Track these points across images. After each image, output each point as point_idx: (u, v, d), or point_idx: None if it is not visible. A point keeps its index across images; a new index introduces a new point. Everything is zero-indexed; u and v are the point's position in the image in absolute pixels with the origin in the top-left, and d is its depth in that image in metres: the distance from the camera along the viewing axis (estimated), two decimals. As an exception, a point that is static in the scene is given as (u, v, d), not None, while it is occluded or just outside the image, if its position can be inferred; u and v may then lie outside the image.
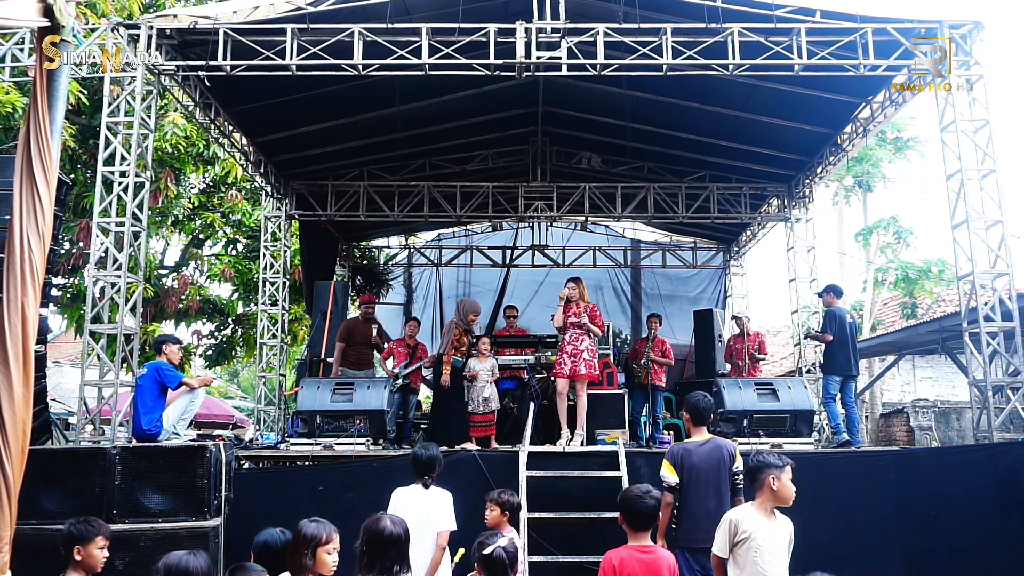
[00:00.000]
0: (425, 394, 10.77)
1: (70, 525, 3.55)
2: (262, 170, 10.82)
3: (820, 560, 3.94)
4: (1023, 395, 6.87)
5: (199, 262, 13.65)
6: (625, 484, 6.05)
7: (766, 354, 9.86)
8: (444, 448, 6.74)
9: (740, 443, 5.29)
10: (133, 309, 7.32)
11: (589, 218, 12.87)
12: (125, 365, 7.36)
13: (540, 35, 7.28)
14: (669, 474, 4.70)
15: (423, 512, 4.49)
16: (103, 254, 7.21)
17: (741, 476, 4.74)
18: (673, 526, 4.69)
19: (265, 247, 11.42)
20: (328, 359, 8.88)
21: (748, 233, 13.53)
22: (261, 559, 3.32)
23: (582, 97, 10.14)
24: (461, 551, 4.45)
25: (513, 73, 7.47)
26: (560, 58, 7.31)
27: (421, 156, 11.46)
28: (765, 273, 48.36)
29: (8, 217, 2.12)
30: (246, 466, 7.13)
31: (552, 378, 7.72)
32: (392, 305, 14.16)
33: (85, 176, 10.54)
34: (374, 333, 8.92)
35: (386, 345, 9.67)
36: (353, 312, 11.03)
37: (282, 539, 3.41)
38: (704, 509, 4.59)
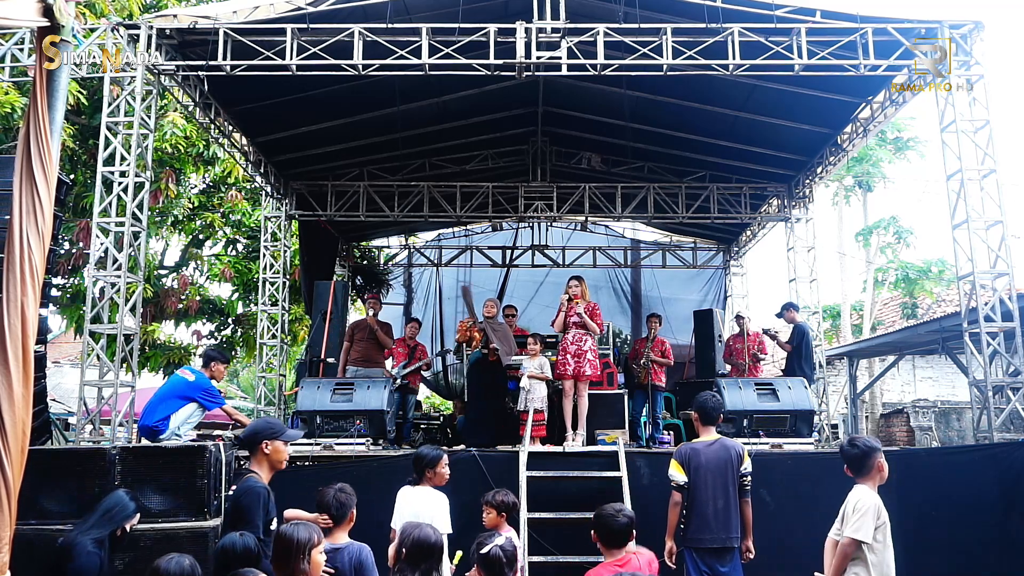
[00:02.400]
0: (424, 394, 10.79)
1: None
2: (262, 170, 10.82)
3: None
4: (1023, 395, 6.87)
5: (199, 262, 13.63)
6: (625, 484, 6.06)
7: (766, 354, 9.91)
8: (445, 449, 6.75)
9: (740, 443, 5.29)
10: (133, 309, 7.33)
11: (589, 218, 12.87)
12: (125, 365, 7.36)
13: (540, 35, 7.28)
14: (677, 473, 4.69)
15: (412, 512, 4.49)
16: (103, 254, 7.21)
17: (749, 477, 4.74)
18: (681, 526, 4.68)
19: (265, 247, 11.42)
20: (328, 359, 8.89)
21: (748, 233, 13.53)
22: (225, 566, 3.30)
23: (582, 97, 10.14)
24: (459, 554, 4.45)
25: (513, 73, 7.47)
26: (560, 58, 7.31)
27: (421, 156, 11.46)
28: (765, 273, 48.42)
29: (8, 217, 2.12)
30: (246, 466, 7.12)
31: (556, 381, 7.73)
32: (392, 305, 14.16)
33: (85, 176, 10.53)
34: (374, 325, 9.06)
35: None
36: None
37: (241, 543, 3.42)
38: (712, 509, 4.59)
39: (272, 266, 11.39)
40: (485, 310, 8.57)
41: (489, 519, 4.52)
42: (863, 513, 3.67)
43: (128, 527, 4.05)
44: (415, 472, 4.67)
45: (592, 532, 3.74)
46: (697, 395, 5.02)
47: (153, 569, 3.05)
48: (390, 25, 7.31)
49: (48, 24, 2.11)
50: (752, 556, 4.74)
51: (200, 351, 13.90)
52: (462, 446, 7.00)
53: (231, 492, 3.73)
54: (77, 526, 3.98)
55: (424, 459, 4.70)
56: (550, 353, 8.55)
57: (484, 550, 3.19)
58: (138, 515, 4.14)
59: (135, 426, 7.11)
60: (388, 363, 9.45)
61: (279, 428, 3.98)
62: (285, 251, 11.51)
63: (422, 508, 4.50)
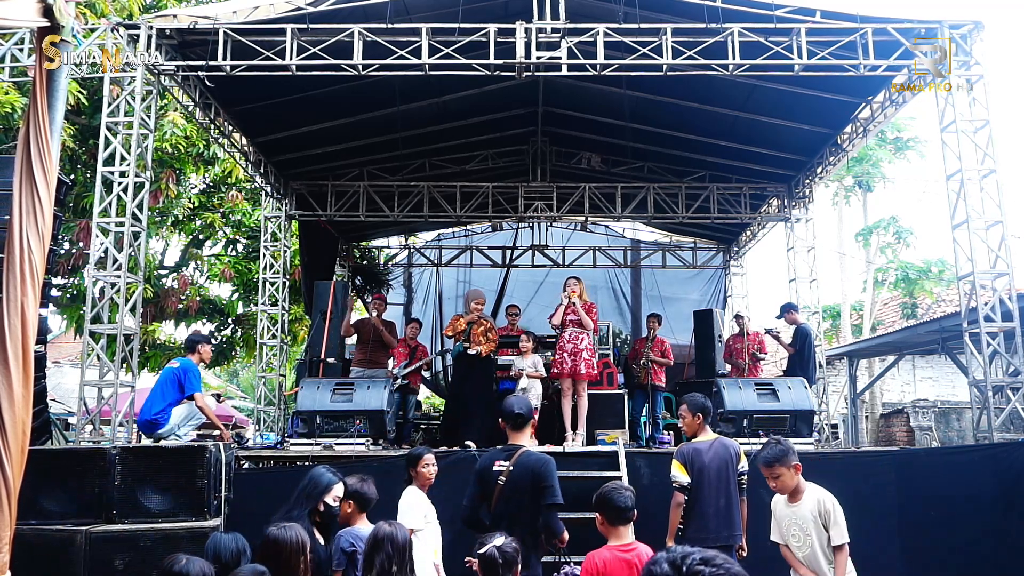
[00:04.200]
0: (425, 394, 10.78)
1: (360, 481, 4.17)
2: (262, 170, 10.82)
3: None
4: (1023, 395, 6.87)
5: (199, 262, 13.64)
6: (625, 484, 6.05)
7: (766, 353, 9.92)
8: (444, 449, 6.76)
9: (740, 443, 5.29)
10: (133, 309, 7.32)
11: (589, 218, 12.87)
12: (125, 365, 7.36)
13: (540, 35, 7.28)
14: (680, 474, 4.69)
15: (399, 512, 4.55)
16: (103, 254, 7.21)
17: (746, 476, 4.77)
18: (680, 526, 4.68)
19: (265, 247, 11.42)
20: (328, 359, 8.89)
21: (748, 233, 13.53)
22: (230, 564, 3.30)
23: (582, 97, 10.14)
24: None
25: (513, 73, 7.47)
26: (560, 58, 7.31)
27: (421, 156, 11.45)
28: (765, 273, 48.41)
29: (8, 217, 2.12)
30: (246, 466, 7.13)
31: (552, 379, 7.71)
32: (392, 305, 14.14)
33: (85, 176, 10.53)
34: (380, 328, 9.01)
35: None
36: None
37: (227, 546, 3.43)
38: (714, 508, 4.61)
39: (272, 266, 11.39)
40: (474, 304, 8.31)
41: None
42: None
43: (330, 501, 3.90)
44: (406, 472, 4.70)
45: (597, 516, 3.72)
46: (688, 397, 4.99)
47: (167, 570, 2.98)
48: (390, 25, 7.30)
49: (48, 24, 2.11)
50: (745, 554, 4.76)
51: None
52: (466, 446, 6.97)
53: (515, 462, 3.90)
54: (280, 511, 3.87)
55: (407, 458, 4.74)
56: (549, 353, 8.54)
57: (482, 550, 3.19)
58: (337, 486, 3.98)
59: (135, 426, 7.11)
60: (389, 363, 9.44)
61: None
62: (285, 251, 11.51)
63: (400, 507, 4.52)
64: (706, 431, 4.89)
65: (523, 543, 3.59)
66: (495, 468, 3.94)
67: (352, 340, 9.23)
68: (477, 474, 4.11)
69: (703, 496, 4.63)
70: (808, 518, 3.88)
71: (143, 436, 6.67)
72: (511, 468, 3.94)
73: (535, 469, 3.93)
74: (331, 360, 8.86)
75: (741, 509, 4.74)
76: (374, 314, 9.27)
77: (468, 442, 7.04)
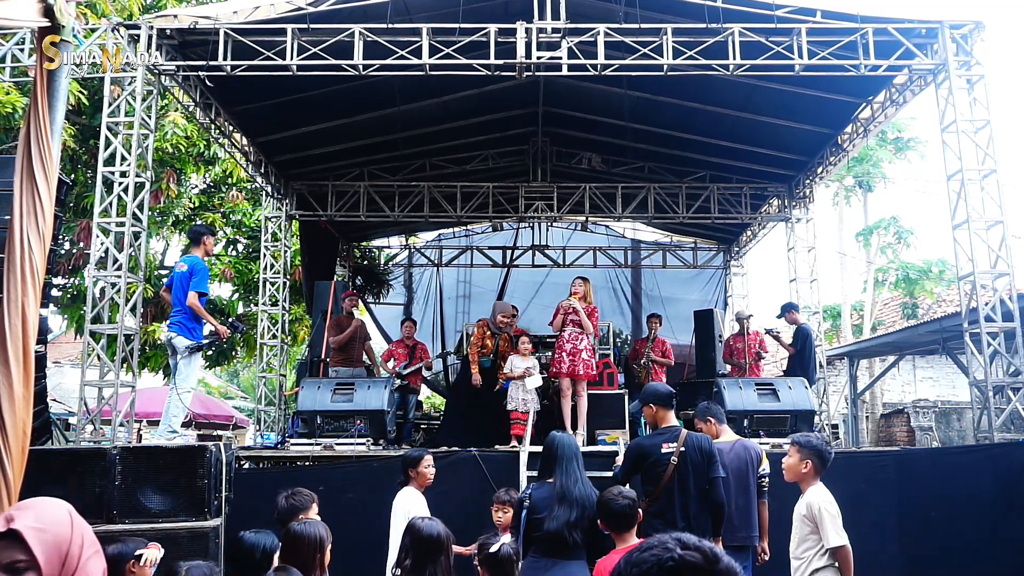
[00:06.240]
0: (425, 394, 10.76)
1: (284, 498, 3.98)
2: (262, 170, 10.82)
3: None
4: (1023, 395, 6.87)
5: (199, 262, 13.62)
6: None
7: (767, 352, 9.92)
8: (445, 449, 6.76)
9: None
10: (133, 309, 7.33)
11: (589, 218, 12.86)
12: (125, 365, 7.36)
13: (540, 35, 7.28)
14: None
15: (392, 514, 4.57)
16: (103, 254, 7.21)
17: (767, 479, 4.78)
18: None
19: (265, 247, 11.41)
20: (328, 359, 8.88)
21: (748, 233, 13.52)
22: (243, 561, 3.30)
23: (582, 97, 10.14)
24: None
25: (513, 73, 7.47)
26: (560, 58, 7.31)
27: (421, 156, 11.45)
28: (765, 273, 48.41)
29: (8, 217, 2.12)
30: (246, 466, 7.13)
31: (552, 379, 7.69)
32: (392, 305, 14.15)
33: (85, 176, 10.53)
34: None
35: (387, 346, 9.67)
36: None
37: (250, 541, 3.45)
38: (735, 507, 4.62)
39: (272, 266, 11.39)
40: (502, 318, 8.09)
41: (507, 518, 4.50)
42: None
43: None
44: (402, 474, 4.69)
45: (599, 523, 3.71)
46: (701, 406, 5.08)
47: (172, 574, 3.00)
48: (390, 25, 7.30)
49: (49, 24, 2.12)
50: (767, 558, 4.75)
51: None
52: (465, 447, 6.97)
53: (684, 443, 4.24)
54: (566, 481, 3.93)
55: (406, 459, 4.73)
56: (549, 352, 8.53)
57: (494, 549, 3.15)
58: None
59: (136, 426, 7.09)
60: (390, 363, 9.44)
61: None
62: (285, 251, 11.51)
63: (395, 508, 4.52)
64: (726, 432, 4.94)
65: (690, 510, 4.13)
66: (664, 450, 4.21)
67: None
68: (638, 457, 4.35)
69: None
70: (798, 517, 3.90)
71: (173, 338, 6.40)
72: (682, 448, 4.20)
73: (703, 447, 4.29)
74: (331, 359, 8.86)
75: (762, 512, 4.75)
76: (355, 313, 9.23)
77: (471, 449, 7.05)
